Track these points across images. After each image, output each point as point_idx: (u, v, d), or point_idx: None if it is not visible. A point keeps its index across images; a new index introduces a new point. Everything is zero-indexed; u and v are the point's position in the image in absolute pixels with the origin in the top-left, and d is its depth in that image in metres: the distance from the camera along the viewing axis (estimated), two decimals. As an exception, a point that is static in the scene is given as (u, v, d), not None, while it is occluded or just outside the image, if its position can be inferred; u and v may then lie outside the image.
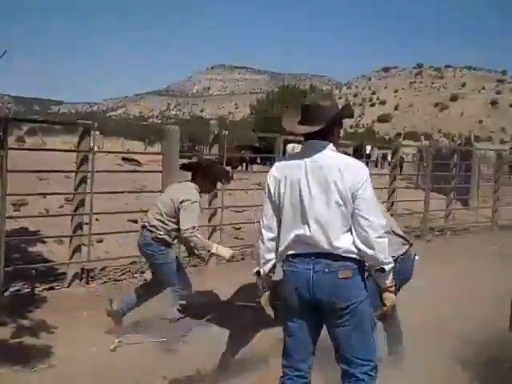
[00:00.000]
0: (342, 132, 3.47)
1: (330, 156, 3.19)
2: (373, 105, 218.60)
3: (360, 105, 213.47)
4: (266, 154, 13.42)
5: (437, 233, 12.46)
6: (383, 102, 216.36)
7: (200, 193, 5.54)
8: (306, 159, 3.19)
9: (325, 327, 3.29)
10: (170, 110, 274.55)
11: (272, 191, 3.28)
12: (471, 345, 5.11)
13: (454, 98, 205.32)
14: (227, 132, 8.62)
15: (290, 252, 3.20)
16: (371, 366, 3.17)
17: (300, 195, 3.16)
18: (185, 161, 6.83)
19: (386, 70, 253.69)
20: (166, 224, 5.42)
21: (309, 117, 3.24)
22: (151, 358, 5.27)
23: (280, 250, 3.27)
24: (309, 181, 3.14)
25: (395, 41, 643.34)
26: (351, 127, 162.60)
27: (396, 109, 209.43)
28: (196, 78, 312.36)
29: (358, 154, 30.44)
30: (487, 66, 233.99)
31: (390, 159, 30.36)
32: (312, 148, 3.23)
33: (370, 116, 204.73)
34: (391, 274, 3.17)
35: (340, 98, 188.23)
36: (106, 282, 7.51)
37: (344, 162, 3.18)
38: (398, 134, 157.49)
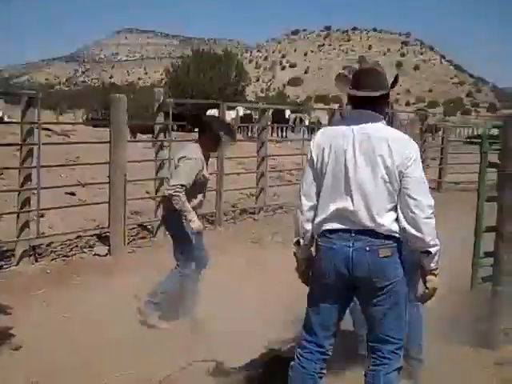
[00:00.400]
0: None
1: (380, 128, 3.05)
2: (283, 68, 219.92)
3: (270, 68, 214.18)
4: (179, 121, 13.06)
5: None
6: (293, 66, 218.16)
7: (206, 152, 5.40)
8: (354, 128, 3.05)
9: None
10: (77, 76, 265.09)
11: (314, 159, 3.14)
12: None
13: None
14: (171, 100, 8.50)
15: (328, 227, 3.07)
16: (399, 345, 3.15)
17: (345, 166, 3.02)
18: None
19: (295, 32, 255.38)
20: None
21: (367, 82, 3.09)
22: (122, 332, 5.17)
23: (316, 222, 3.13)
24: (355, 152, 3.00)
25: (304, 2, 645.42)
26: (262, 91, 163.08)
27: (306, 72, 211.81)
28: (103, 43, 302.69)
29: (277, 118, 30.54)
30: (392, 29, 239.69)
31: (306, 123, 31.06)
32: (362, 117, 3.08)
33: (281, 79, 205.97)
34: (437, 257, 3.07)
35: (250, 62, 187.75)
36: (54, 258, 7.25)
37: (394, 136, 3.04)
38: (309, 98, 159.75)
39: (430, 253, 3.01)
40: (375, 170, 2.97)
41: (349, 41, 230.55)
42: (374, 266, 2.98)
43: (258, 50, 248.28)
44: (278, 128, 29.86)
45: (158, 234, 8.07)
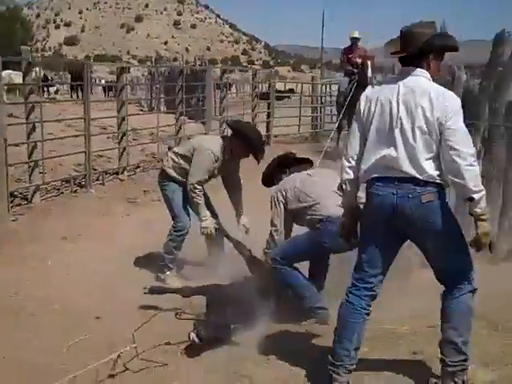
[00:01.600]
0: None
1: (422, 82, 3.22)
2: (57, 27, 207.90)
3: (44, 27, 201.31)
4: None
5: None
6: (68, 24, 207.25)
7: (229, 153, 5.53)
8: (400, 83, 3.24)
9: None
10: None
11: (362, 111, 3.33)
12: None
13: (138, 19, 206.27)
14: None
15: (374, 175, 3.26)
16: (467, 273, 3.29)
17: (390, 117, 3.21)
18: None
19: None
20: (176, 162, 5.61)
21: (402, 44, 3.28)
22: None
23: (364, 170, 3.31)
24: (399, 104, 3.19)
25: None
26: (37, 50, 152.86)
27: (83, 31, 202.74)
28: None
29: (78, 79, 29.19)
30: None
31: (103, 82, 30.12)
32: (406, 73, 3.28)
33: (56, 38, 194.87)
34: (483, 202, 3.14)
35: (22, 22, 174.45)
36: None
37: (436, 90, 3.19)
38: (87, 57, 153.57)
39: (474, 199, 3.12)
40: (415, 122, 3.15)
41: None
42: (417, 211, 3.17)
43: (29, 8, 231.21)
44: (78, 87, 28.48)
45: (34, 200, 7.56)
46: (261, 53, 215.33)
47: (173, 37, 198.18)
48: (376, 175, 3.26)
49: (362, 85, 11.81)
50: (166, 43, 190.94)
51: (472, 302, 3.37)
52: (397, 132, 3.19)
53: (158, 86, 19.56)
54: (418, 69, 3.27)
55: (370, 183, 3.31)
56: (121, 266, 5.94)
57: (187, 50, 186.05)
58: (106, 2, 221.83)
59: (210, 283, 5.09)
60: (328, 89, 19.13)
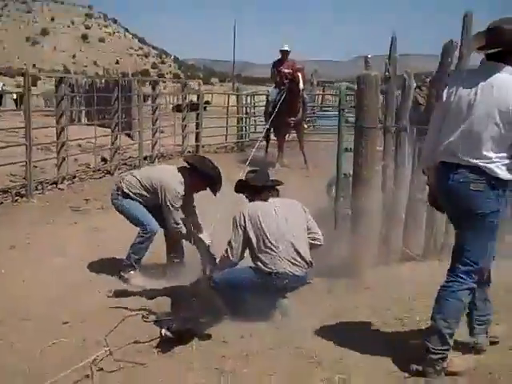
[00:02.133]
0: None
1: (502, 77, 3.37)
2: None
3: None
4: None
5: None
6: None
7: (189, 188, 5.81)
8: (480, 77, 3.44)
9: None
10: None
11: (443, 99, 3.64)
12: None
13: (45, 33, 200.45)
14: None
15: (440, 159, 3.56)
16: (473, 268, 3.52)
17: (466, 106, 3.43)
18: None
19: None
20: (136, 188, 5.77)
21: (489, 40, 3.42)
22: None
23: (435, 153, 3.65)
24: (476, 96, 3.39)
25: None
26: None
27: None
28: None
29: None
30: (74, 1, 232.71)
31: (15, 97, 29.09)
32: (487, 68, 3.47)
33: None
34: None
35: None
36: None
37: None
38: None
39: None
40: (490, 114, 3.34)
41: (30, 12, 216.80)
42: (465, 197, 3.44)
43: None
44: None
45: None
46: (170, 66, 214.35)
47: (81, 50, 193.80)
48: (440, 159, 3.58)
49: (292, 96, 12.24)
50: (73, 57, 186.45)
51: (466, 299, 3.62)
52: (467, 122, 3.44)
53: (78, 98, 19.25)
54: (499, 63, 3.43)
55: (437, 166, 3.63)
56: (75, 273, 5.92)
57: (95, 63, 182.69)
58: (8, 16, 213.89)
59: (172, 283, 5.26)
60: (252, 100, 19.41)
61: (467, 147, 3.44)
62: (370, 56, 8.31)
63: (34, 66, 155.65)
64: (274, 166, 12.23)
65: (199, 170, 5.75)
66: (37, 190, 8.87)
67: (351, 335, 4.42)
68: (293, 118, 12.61)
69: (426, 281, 5.47)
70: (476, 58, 5.68)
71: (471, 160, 3.42)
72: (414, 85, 6.10)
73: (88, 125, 13.90)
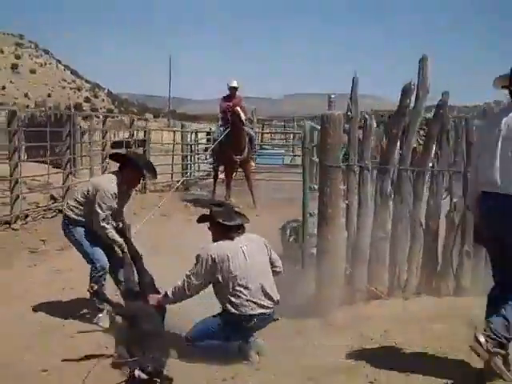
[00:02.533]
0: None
1: None
2: None
3: None
4: None
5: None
6: None
7: (124, 185, 5.74)
8: (505, 114, 3.93)
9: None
10: None
11: (481, 134, 4.51)
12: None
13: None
14: None
15: (482, 189, 4.01)
16: None
17: (495, 141, 3.88)
18: None
19: None
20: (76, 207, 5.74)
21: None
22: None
23: (476, 185, 4.13)
24: (502, 130, 3.86)
25: None
26: None
27: None
28: None
29: None
30: (4, 29, 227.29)
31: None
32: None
33: None
34: None
35: None
36: None
37: None
38: None
39: None
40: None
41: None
42: (505, 224, 3.81)
43: None
44: None
45: None
46: (104, 100, 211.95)
47: (11, 82, 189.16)
48: (482, 189, 4.01)
49: (236, 130, 12.31)
50: (3, 88, 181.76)
51: None
52: (498, 155, 3.87)
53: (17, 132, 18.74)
54: None
55: (479, 195, 4.07)
56: (44, 318, 5.72)
57: (27, 95, 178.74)
58: None
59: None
60: (195, 137, 19.39)
61: (500, 177, 3.86)
62: (333, 96, 8.49)
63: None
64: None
65: (127, 161, 5.78)
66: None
67: (331, 375, 4.44)
68: (239, 156, 12.62)
69: (392, 318, 5.63)
70: (433, 99, 5.99)
71: (505, 189, 3.81)
72: (375, 124, 6.25)
73: (32, 161, 13.38)
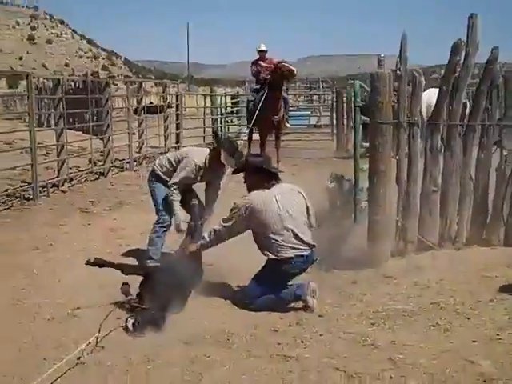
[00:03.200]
0: None
1: None
2: None
3: None
4: None
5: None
6: None
7: (209, 162, 6.03)
8: None
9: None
10: None
11: None
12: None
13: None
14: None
15: None
16: None
17: None
18: None
19: None
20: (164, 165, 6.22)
21: None
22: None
23: None
24: None
25: None
26: None
27: None
28: None
29: None
30: (18, 2, 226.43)
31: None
32: None
33: None
34: None
35: None
36: None
37: None
38: None
39: None
40: None
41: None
42: None
43: None
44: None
45: None
46: (121, 68, 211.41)
47: (28, 52, 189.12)
48: None
49: (274, 92, 12.25)
50: (20, 58, 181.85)
51: None
52: None
53: (46, 101, 19.08)
54: None
55: None
56: (108, 272, 5.93)
57: (44, 65, 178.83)
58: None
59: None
60: (224, 100, 19.55)
61: None
62: (382, 56, 8.59)
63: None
64: None
65: (218, 143, 6.16)
66: (40, 192, 8.86)
67: (392, 320, 4.67)
68: (276, 117, 12.60)
69: (445, 268, 5.84)
70: (481, 57, 6.10)
71: None
72: (424, 81, 6.37)
73: (69, 129, 13.57)
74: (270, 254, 5.14)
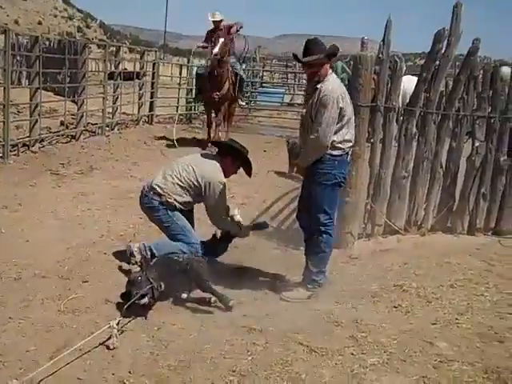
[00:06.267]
0: None
1: None
2: None
3: None
4: None
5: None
6: None
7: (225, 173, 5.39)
8: None
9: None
10: None
11: None
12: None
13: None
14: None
15: None
16: None
17: None
18: None
19: None
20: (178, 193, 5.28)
21: None
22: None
23: None
24: None
25: None
26: None
27: None
28: None
29: None
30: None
31: None
32: None
33: None
34: None
35: None
36: None
37: None
38: None
39: None
40: None
41: None
42: None
43: None
44: None
45: None
46: (96, 31, 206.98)
47: (1, 7, 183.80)
48: None
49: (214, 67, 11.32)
50: None
51: None
52: None
53: (19, 58, 18.68)
54: None
55: None
56: (76, 234, 5.99)
57: (17, 22, 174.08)
58: None
59: None
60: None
61: None
62: (366, 38, 8.61)
63: None
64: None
65: (232, 151, 5.46)
66: (10, 151, 8.72)
67: (356, 299, 4.78)
68: (217, 93, 11.65)
69: (409, 252, 5.98)
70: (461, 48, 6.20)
71: None
72: (404, 67, 6.45)
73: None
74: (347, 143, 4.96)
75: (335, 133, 4.75)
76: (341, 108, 4.70)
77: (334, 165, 4.84)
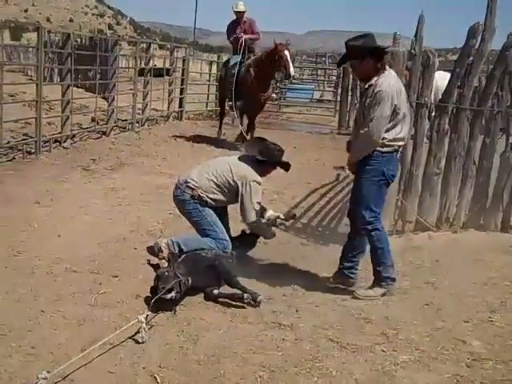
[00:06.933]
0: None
1: None
2: None
3: None
4: None
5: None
6: None
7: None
8: None
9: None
10: None
11: None
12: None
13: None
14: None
15: None
16: None
17: None
18: None
19: None
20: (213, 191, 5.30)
21: None
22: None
23: None
24: None
25: None
26: None
27: None
28: None
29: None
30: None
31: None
32: None
33: None
34: None
35: None
36: None
37: None
38: None
39: None
40: None
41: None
42: None
43: None
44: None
45: None
46: (126, 28, 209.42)
47: (33, 5, 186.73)
48: None
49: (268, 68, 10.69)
50: (25, 11, 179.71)
51: None
52: None
53: (51, 55, 18.94)
54: None
55: None
56: (107, 230, 6.04)
57: (49, 19, 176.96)
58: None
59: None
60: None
61: None
62: (399, 33, 8.51)
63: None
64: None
65: (271, 159, 5.44)
66: (43, 147, 8.86)
67: (387, 296, 4.74)
68: (263, 94, 11.06)
69: (441, 249, 5.90)
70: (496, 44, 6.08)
71: None
72: (437, 62, 6.36)
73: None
74: (397, 140, 4.72)
75: (387, 130, 4.59)
76: (395, 105, 4.55)
77: (382, 161, 4.67)
